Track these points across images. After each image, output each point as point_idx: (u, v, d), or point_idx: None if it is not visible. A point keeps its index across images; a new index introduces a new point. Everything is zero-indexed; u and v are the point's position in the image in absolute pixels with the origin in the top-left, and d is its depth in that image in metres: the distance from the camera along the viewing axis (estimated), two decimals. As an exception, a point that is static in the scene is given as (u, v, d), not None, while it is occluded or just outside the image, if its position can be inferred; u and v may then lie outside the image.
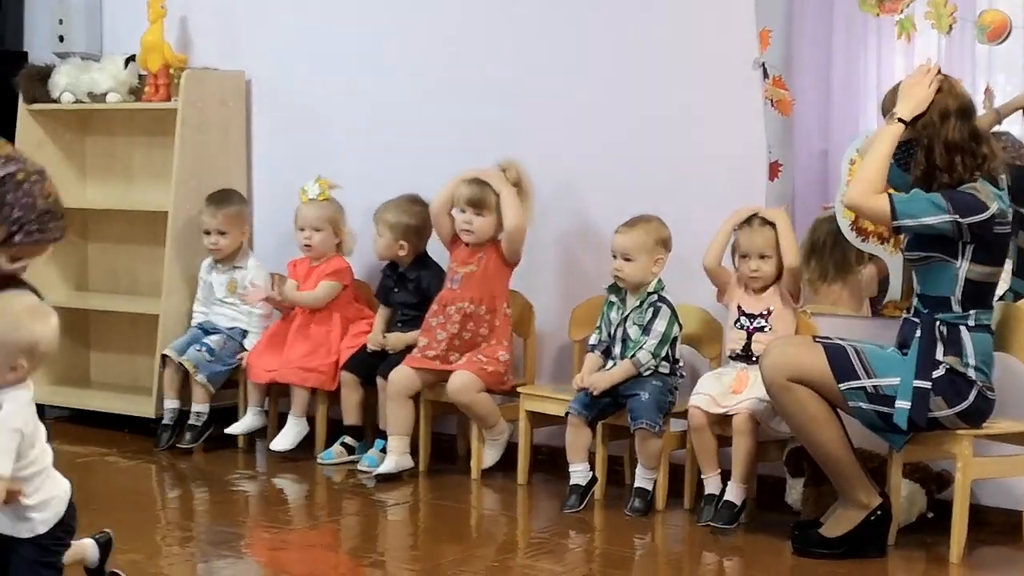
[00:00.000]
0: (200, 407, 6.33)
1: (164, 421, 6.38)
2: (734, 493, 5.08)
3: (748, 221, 5.33)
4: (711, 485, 5.19)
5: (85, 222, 7.21)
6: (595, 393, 5.36)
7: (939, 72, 4.74)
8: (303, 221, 6.27)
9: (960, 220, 4.56)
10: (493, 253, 5.82)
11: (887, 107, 4.83)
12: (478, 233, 5.79)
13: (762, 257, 5.27)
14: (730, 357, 5.34)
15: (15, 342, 3.49)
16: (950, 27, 5.14)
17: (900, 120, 4.69)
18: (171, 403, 6.38)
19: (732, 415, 5.09)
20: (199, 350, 6.32)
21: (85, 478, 5.65)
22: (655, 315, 5.37)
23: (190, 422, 6.34)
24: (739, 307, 5.31)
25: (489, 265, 5.81)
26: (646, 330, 5.37)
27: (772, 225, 5.29)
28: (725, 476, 5.16)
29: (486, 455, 5.85)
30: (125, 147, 7.03)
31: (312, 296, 6.23)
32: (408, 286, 6.08)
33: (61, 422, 6.84)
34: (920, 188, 4.67)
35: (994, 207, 4.59)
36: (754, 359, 5.10)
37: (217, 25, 6.95)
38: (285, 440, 6.13)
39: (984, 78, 5.11)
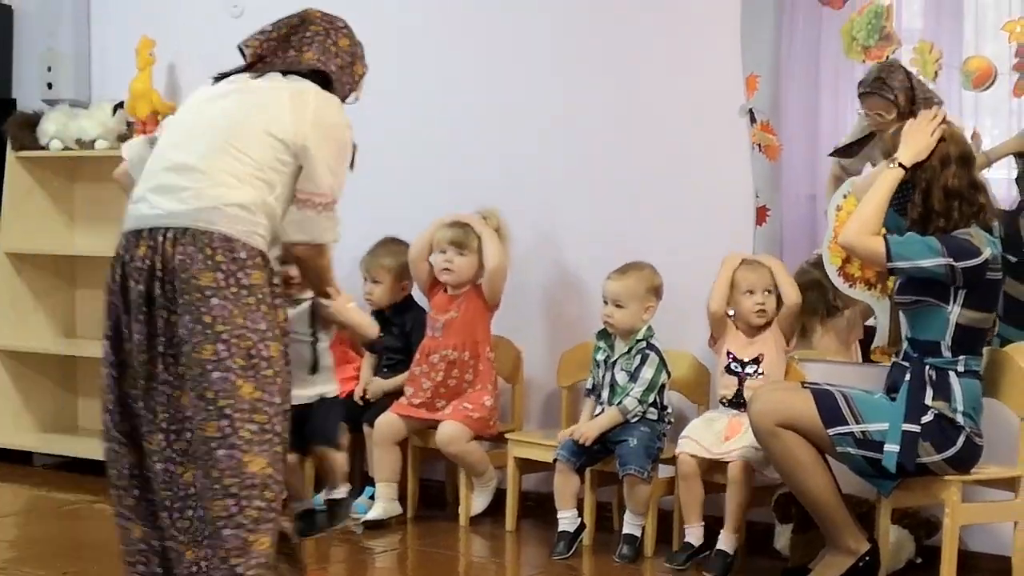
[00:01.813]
0: None
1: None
2: (726, 542, 5.06)
3: (743, 261, 5.35)
4: (692, 536, 5.16)
5: (73, 269, 7.21)
6: (585, 444, 5.34)
7: (944, 120, 4.75)
8: None
9: (955, 264, 4.56)
10: (473, 297, 5.81)
11: (888, 150, 4.84)
12: (459, 273, 5.78)
13: (766, 292, 5.28)
14: (721, 403, 5.33)
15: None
16: (935, 73, 5.16)
17: (901, 165, 4.70)
18: None
19: (727, 462, 5.07)
20: None
21: (74, 526, 5.65)
22: (643, 362, 5.36)
23: None
24: (730, 353, 5.31)
25: (469, 309, 5.80)
26: (633, 377, 5.36)
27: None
28: (708, 523, 5.15)
29: (474, 502, 5.83)
30: (114, 194, 6.83)
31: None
32: (393, 330, 6.04)
33: (49, 469, 6.83)
34: (915, 231, 4.68)
35: (987, 252, 4.59)
36: (745, 406, 5.09)
37: (205, 72, 6.83)
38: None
39: (971, 122, 5.12)
